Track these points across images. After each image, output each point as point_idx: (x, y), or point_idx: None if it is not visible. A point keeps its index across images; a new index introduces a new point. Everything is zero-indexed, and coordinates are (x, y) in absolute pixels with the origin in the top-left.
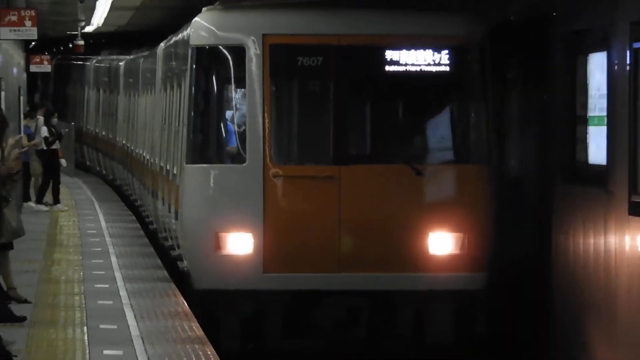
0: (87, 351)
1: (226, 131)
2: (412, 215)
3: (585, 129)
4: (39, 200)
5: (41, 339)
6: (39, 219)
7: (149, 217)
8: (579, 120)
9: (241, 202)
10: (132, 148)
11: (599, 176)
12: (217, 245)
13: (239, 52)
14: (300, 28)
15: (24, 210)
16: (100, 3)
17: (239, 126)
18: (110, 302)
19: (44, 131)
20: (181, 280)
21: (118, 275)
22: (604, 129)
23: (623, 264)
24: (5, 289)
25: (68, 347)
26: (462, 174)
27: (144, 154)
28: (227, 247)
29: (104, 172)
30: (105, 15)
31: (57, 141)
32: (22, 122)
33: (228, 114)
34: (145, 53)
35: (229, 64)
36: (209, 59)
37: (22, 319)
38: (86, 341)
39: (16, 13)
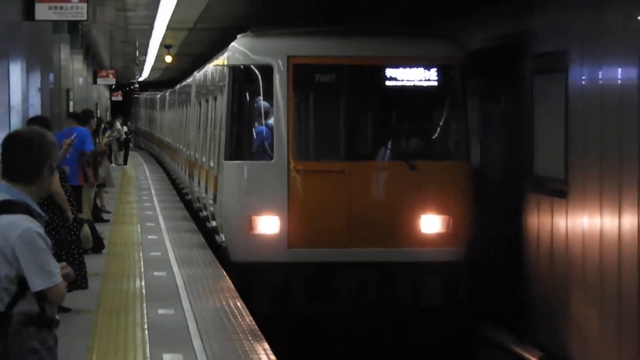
0: (139, 234)
1: (257, 134)
2: (407, 201)
3: None
4: (125, 163)
5: (118, 231)
6: (116, 172)
7: (185, 189)
8: None
9: (270, 191)
10: (171, 142)
11: None
12: (251, 226)
13: (267, 70)
14: (318, 51)
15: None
16: (146, 66)
17: (268, 130)
18: (151, 213)
19: (125, 129)
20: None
21: (155, 199)
22: None
23: None
24: (99, 206)
25: (132, 233)
26: (447, 168)
27: (181, 147)
28: (259, 228)
29: (147, 149)
30: (149, 72)
31: (130, 134)
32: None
33: (259, 120)
34: (179, 86)
35: (260, 80)
36: (243, 75)
37: (107, 221)
38: (139, 229)
39: (105, 72)
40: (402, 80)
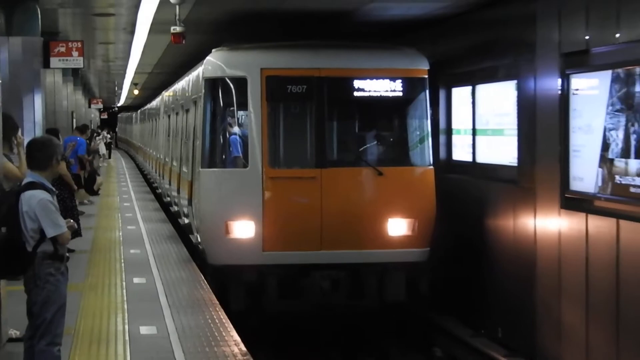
0: (119, 202)
1: (232, 143)
2: (375, 205)
3: None
4: (109, 158)
5: (105, 201)
6: (103, 163)
7: (155, 183)
8: None
9: (245, 197)
10: (143, 146)
11: None
12: (227, 230)
13: (241, 82)
14: (289, 63)
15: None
16: (122, 96)
17: (242, 139)
18: (126, 189)
19: (109, 136)
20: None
21: (128, 181)
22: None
23: None
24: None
25: (113, 202)
26: (413, 174)
27: (152, 151)
28: (235, 232)
29: (126, 150)
30: (124, 99)
31: (112, 139)
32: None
33: (234, 129)
34: (149, 106)
35: (234, 92)
36: (218, 87)
37: (93, 200)
38: (118, 200)
39: (96, 100)
40: (370, 91)
